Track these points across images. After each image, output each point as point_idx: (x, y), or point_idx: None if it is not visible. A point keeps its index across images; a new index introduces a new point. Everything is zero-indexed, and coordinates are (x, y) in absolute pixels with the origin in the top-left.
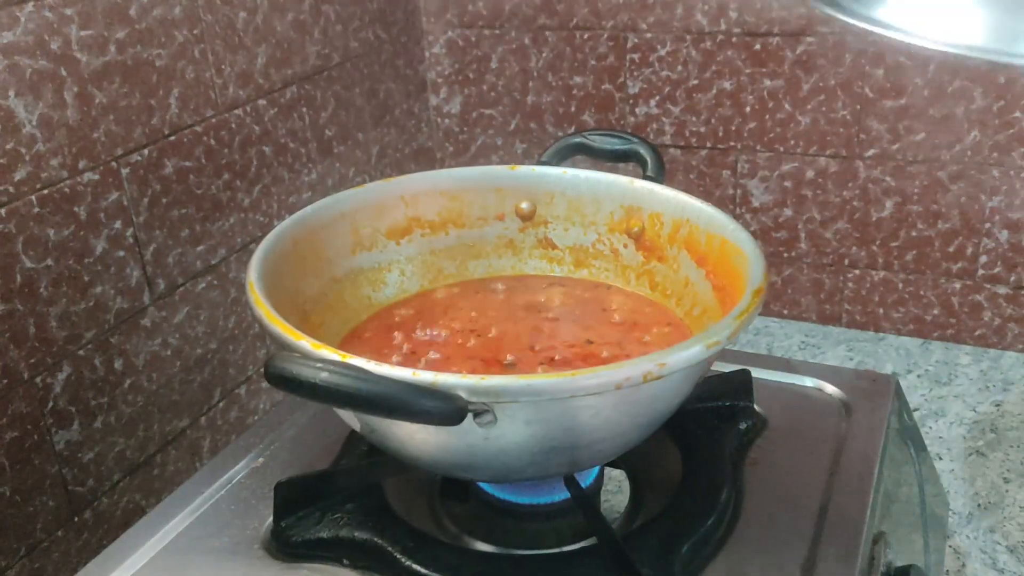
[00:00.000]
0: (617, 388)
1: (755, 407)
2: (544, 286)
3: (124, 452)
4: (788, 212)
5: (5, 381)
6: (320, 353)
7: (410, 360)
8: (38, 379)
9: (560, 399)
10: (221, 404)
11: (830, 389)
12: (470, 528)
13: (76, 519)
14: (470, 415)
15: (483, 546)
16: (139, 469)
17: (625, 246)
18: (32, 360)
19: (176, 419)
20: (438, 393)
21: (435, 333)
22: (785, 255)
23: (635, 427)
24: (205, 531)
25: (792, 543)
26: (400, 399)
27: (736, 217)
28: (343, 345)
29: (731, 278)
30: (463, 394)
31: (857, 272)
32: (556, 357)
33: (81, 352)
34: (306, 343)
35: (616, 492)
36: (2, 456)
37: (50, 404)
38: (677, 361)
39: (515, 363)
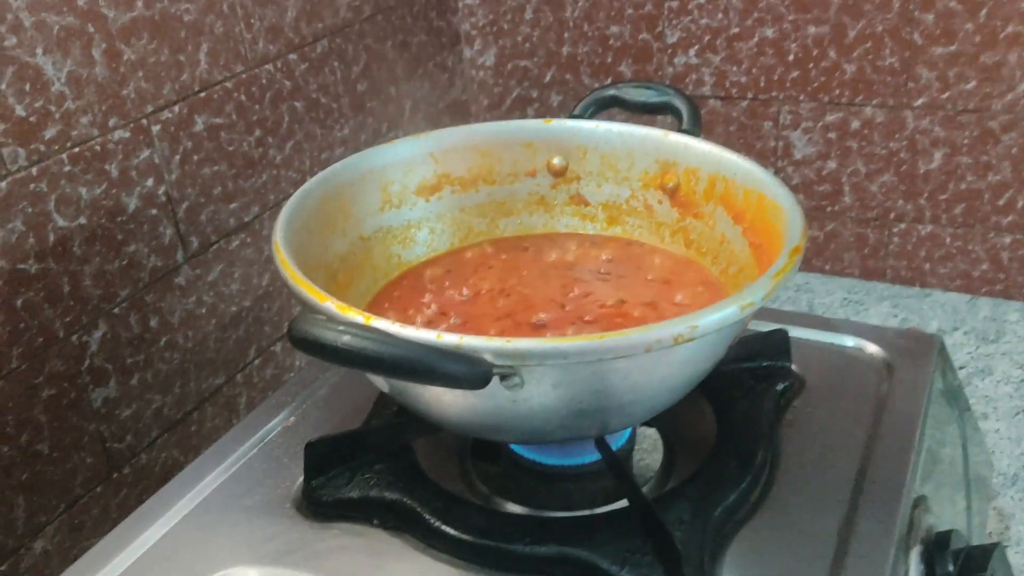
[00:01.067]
0: (647, 351)
1: (793, 367)
2: (576, 244)
3: (161, 409)
4: (832, 165)
5: (41, 340)
6: (345, 316)
7: (438, 321)
8: (74, 337)
9: (588, 362)
10: (256, 361)
11: (872, 349)
12: (501, 489)
13: (115, 475)
14: (496, 378)
15: (514, 507)
16: (177, 426)
17: (660, 202)
18: (68, 319)
19: (212, 376)
20: (463, 356)
21: (464, 293)
22: (828, 209)
23: (667, 390)
24: (238, 489)
25: (829, 507)
26: (424, 363)
27: (777, 171)
28: (372, 305)
29: (768, 235)
30: (489, 357)
31: (903, 226)
32: (587, 317)
33: (116, 311)
34: (331, 304)
35: (650, 451)
36: (40, 414)
37: (87, 362)
38: (710, 323)
39: (545, 323)
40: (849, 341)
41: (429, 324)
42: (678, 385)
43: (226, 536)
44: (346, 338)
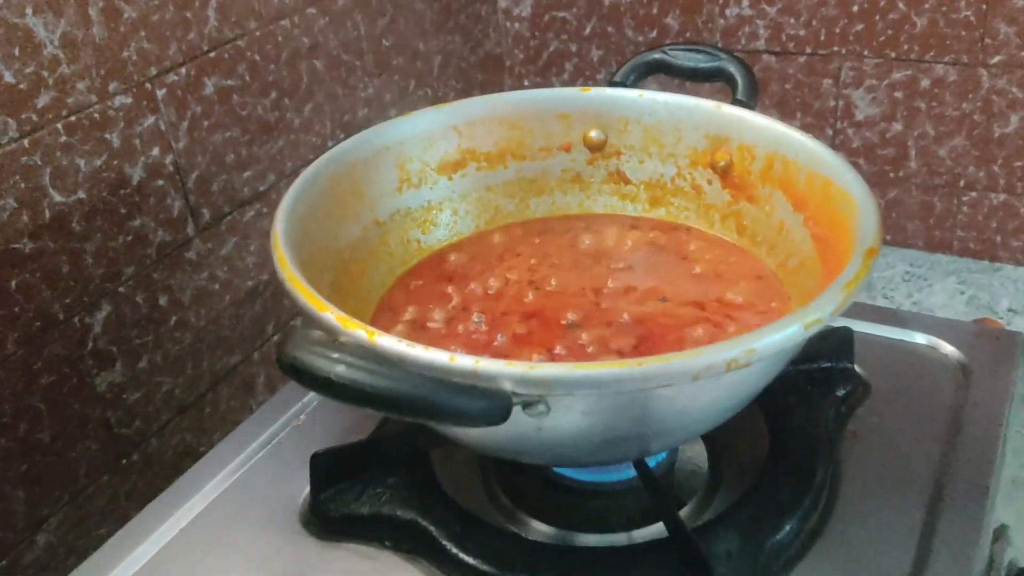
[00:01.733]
0: (695, 379)
1: (856, 369)
2: (614, 227)
3: (172, 392)
4: (897, 127)
5: (39, 324)
6: (346, 330)
7: (460, 318)
8: (75, 319)
9: (625, 391)
10: (275, 338)
11: (946, 348)
12: (527, 505)
13: (123, 462)
14: (518, 407)
15: (540, 526)
16: (189, 409)
17: (709, 182)
18: (68, 300)
19: (227, 356)
20: (478, 390)
21: (491, 285)
22: (891, 175)
23: (716, 413)
24: (242, 498)
25: (898, 537)
26: (432, 400)
27: (836, 133)
28: (388, 298)
29: (835, 228)
30: (509, 385)
31: (974, 195)
32: (624, 317)
33: (121, 289)
34: (331, 316)
35: (694, 465)
36: (39, 401)
37: (90, 345)
38: (768, 346)
39: (576, 324)
40: (920, 338)
41: (450, 322)
42: (729, 408)
43: (226, 552)
44: (340, 368)
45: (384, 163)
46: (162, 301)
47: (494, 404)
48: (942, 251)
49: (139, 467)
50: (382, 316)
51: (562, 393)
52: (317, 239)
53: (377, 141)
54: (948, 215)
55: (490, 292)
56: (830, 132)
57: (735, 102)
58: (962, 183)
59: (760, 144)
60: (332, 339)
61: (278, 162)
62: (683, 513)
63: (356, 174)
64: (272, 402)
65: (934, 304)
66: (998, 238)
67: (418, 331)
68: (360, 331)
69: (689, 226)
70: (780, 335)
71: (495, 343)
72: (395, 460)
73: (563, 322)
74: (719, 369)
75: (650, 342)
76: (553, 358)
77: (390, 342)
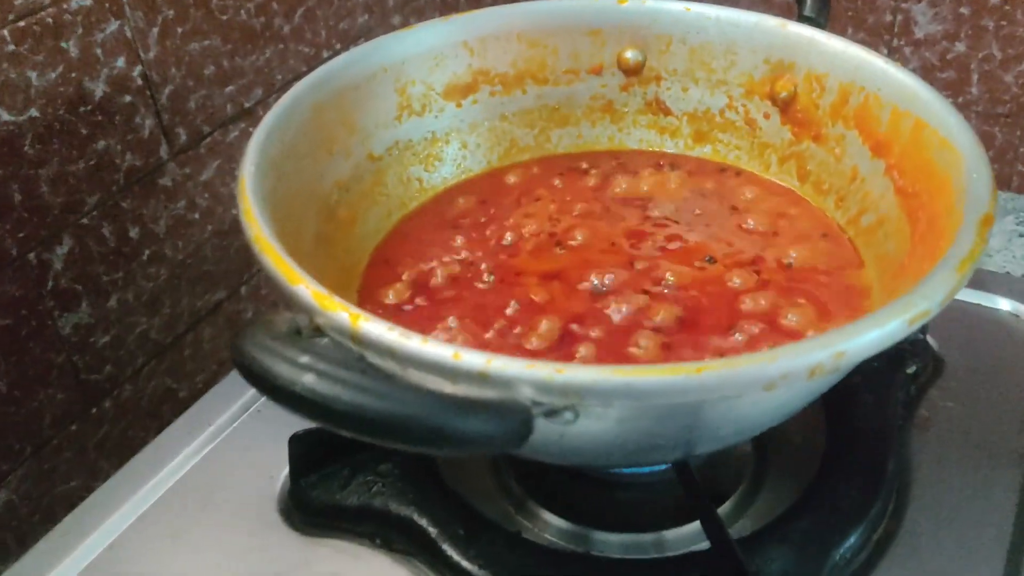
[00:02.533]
0: (767, 389)
1: (928, 340)
2: (651, 168)
3: (147, 333)
4: (960, 47)
5: None
6: (324, 313)
7: (466, 280)
8: (31, 256)
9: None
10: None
11: None
12: (542, 495)
13: (93, 411)
14: (539, 416)
15: (556, 520)
16: (167, 351)
17: (767, 117)
18: (21, 234)
19: (210, 292)
20: (491, 406)
21: (506, 239)
22: (950, 101)
23: (778, 416)
24: (212, 477)
25: (983, 546)
26: (427, 424)
27: (892, 52)
28: (384, 247)
29: (930, 183)
30: (529, 391)
31: None
32: (664, 285)
33: (85, 221)
34: (305, 291)
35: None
36: None
37: (50, 284)
38: (862, 348)
39: (606, 290)
40: (1004, 304)
41: (455, 282)
42: (795, 408)
43: (190, 545)
44: (308, 379)
45: (381, 86)
46: (133, 233)
47: (508, 427)
48: (1001, 187)
49: (111, 415)
50: (376, 270)
51: (596, 404)
52: (297, 181)
53: (372, 60)
54: (1009, 147)
55: (504, 244)
56: (884, 51)
57: (802, 19)
58: None
59: (833, 72)
60: (304, 332)
61: (266, 75)
62: (723, 511)
63: (347, 100)
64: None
65: (990, 247)
66: None
67: (418, 292)
68: (341, 313)
69: (740, 168)
70: (876, 333)
71: (507, 311)
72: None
73: (589, 287)
74: (800, 377)
75: (697, 317)
76: (574, 337)
77: (378, 330)
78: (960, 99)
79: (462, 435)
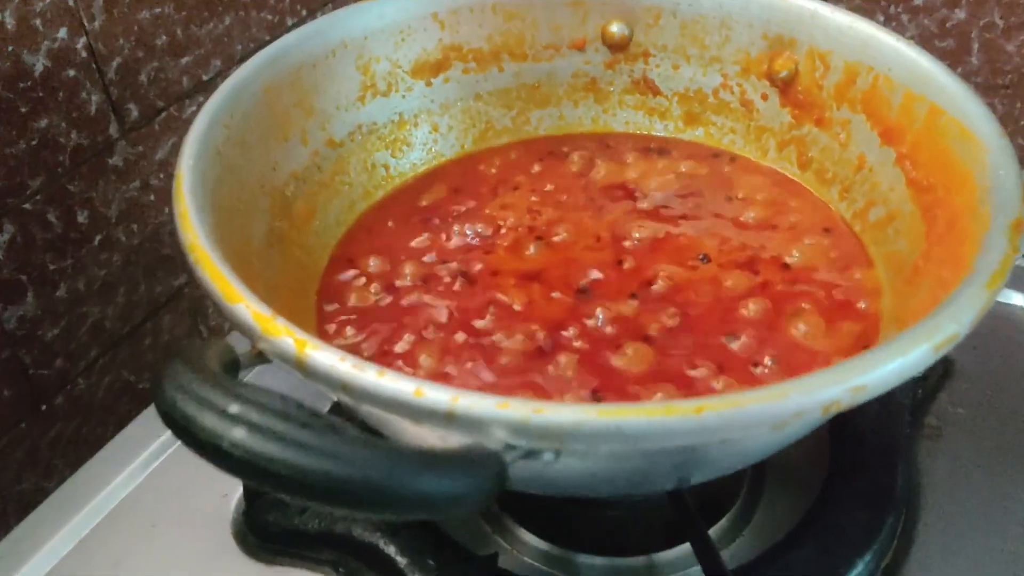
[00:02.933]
0: (776, 428)
1: None
2: (638, 153)
3: (101, 323)
4: (960, 15)
5: None
6: (267, 339)
7: (433, 281)
8: None
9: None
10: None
11: None
12: (523, 514)
13: (43, 408)
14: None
15: (537, 543)
16: (124, 341)
17: (765, 98)
18: None
19: (170, 277)
20: (457, 459)
21: (475, 233)
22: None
23: (783, 445)
24: (159, 496)
25: (1001, 570)
26: (382, 487)
27: (888, 19)
28: (346, 243)
29: (947, 176)
30: (503, 434)
31: None
32: (655, 285)
33: (27, 206)
34: (245, 310)
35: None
36: None
37: None
38: (884, 379)
39: (591, 293)
40: (1017, 299)
41: (426, 282)
42: (804, 434)
43: (136, 571)
44: (238, 434)
45: (341, 64)
46: (81, 217)
47: (479, 484)
48: None
49: (64, 411)
50: (338, 269)
51: (580, 448)
52: (246, 173)
53: (331, 35)
54: (1010, 120)
55: (477, 241)
56: (881, 18)
57: None
58: None
59: (838, 50)
60: (243, 362)
61: (225, 45)
62: (715, 532)
63: (303, 80)
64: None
65: None
66: None
67: (384, 293)
68: (285, 339)
69: (735, 154)
70: (899, 363)
71: (479, 319)
72: None
73: (572, 289)
74: (813, 415)
75: (690, 324)
76: (555, 345)
77: (327, 361)
78: (959, 69)
79: (423, 497)
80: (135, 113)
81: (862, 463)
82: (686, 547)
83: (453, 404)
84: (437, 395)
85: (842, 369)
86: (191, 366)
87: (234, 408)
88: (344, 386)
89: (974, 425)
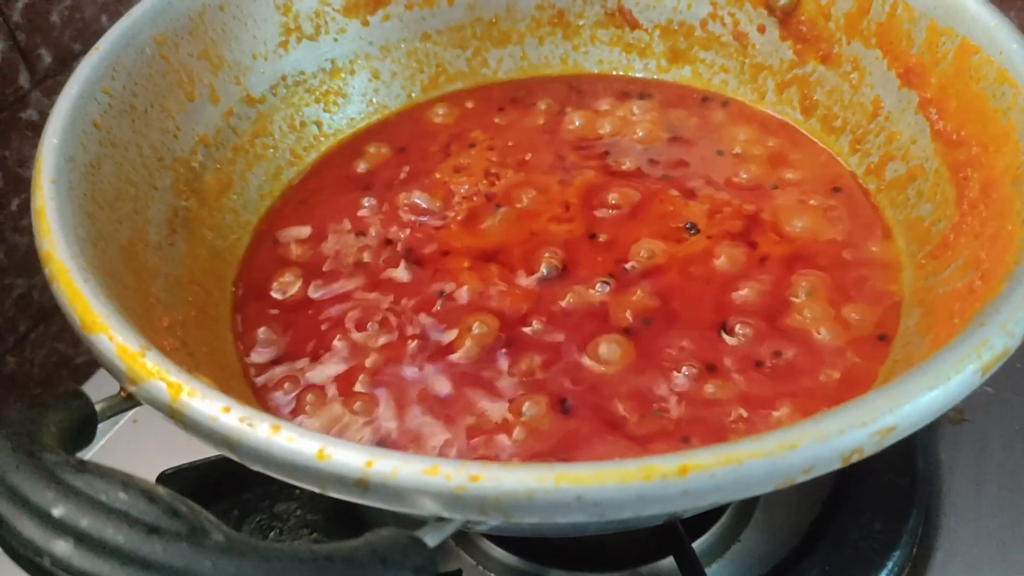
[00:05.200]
0: (780, 487)
1: None
2: (614, 98)
3: (28, 295)
4: None
5: None
6: (139, 386)
7: (371, 269)
8: None
9: None
10: None
11: None
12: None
13: None
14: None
15: (508, 558)
16: (56, 314)
17: (761, 30)
18: None
19: None
20: (358, 559)
21: (423, 203)
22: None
23: None
24: None
25: None
26: None
27: None
28: (272, 217)
29: (981, 128)
30: (432, 506)
31: None
32: (633, 267)
33: None
34: (107, 343)
35: None
36: None
37: None
38: (918, 416)
39: (560, 272)
40: None
41: (359, 268)
42: None
43: None
44: (61, 548)
45: (256, 4)
46: None
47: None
48: None
49: None
50: (262, 251)
51: (532, 521)
52: (137, 147)
53: None
54: None
55: (427, 214)
56: None
57: None
58: None
59: None
60: (102, 414)
61: None
62: (699, 545)
63: (206, 27)
64: (96, 380)
65: None
66: None
67: (313, 280)
68: (155, 384)
69: (727, 97)
70: (937, 394)
71: (434, 310)
72: None
73: (539, 272)
74: (828, 467)
75: (676, 311)
76: (516, 344)
77: (207, 411)
78: None
79: None
80: (47, 59)
81: (874, 461)
82: (669, 561)
83: (366, 471)
84: (346, 459)
85: (865, 406)
86: (16, 441)
87: (59, 510)
88: (229, 444)
89: (1001, 406)
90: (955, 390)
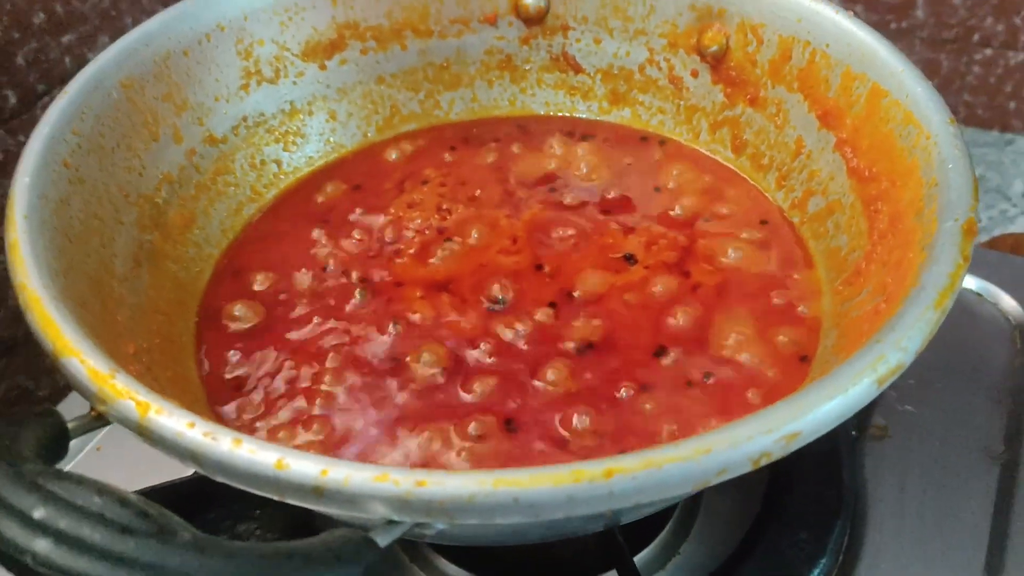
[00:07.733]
0: (697, 489)
1: None
2: (560, 138)
3: None
4: None
5: None
6: (104, 403)
7: (328, 297)
8: None
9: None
10: None
11: (1006, 302)
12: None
13: None
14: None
15: (454, 570)
16: (17, 346)
17: (695, 74)
18: None
19: None
20: (317, 555)
21: (384, 236)
22: (893, 26)
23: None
24: None
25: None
26: None
27: None
28: (232, 252)
29: (891, 165)
30: (383, 509)
31: (988, 53)
32: (576, 293)
33: None
34: (78, 365)
35: None
36: None
37: None
38: (820, 423)
39: (506, 303)
40: (970, 282)
41: (315, 298)
42: None
43: None
44: (41, 545)
45: (218, 50)
46: None
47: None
48: None
49: None
50: (223, 284)
51: (475, 522)
52: (104, 184)
53: (204, 17)
54: (956, 76)
55: (382, 247)
56: None
57: None
58: (976, 38)
59: (771, 23)
60: (74, 431)
61: (112, 19)
62: (640, 559)
63: (171, 71)
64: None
65: None
66: (1012, 105)
67: (270, 311)
68: (124, 403)
69: (664, 136)
70: (837, 403)
71: (386, 335)
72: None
73: (486, 301)
74: (740, 469)
75: (616, 337)
76: (468, 369)
77: (174, 427)
78: (904, 23)
79: None
80: (12, 100)
81: (803, 476)
82: (612, 574)
83: (321, 479)
84: (303, 467)
85: (772, 415)
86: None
87: (39, 512)
88: (194, 457)
89: (922, 423)
90: (853, 400)
